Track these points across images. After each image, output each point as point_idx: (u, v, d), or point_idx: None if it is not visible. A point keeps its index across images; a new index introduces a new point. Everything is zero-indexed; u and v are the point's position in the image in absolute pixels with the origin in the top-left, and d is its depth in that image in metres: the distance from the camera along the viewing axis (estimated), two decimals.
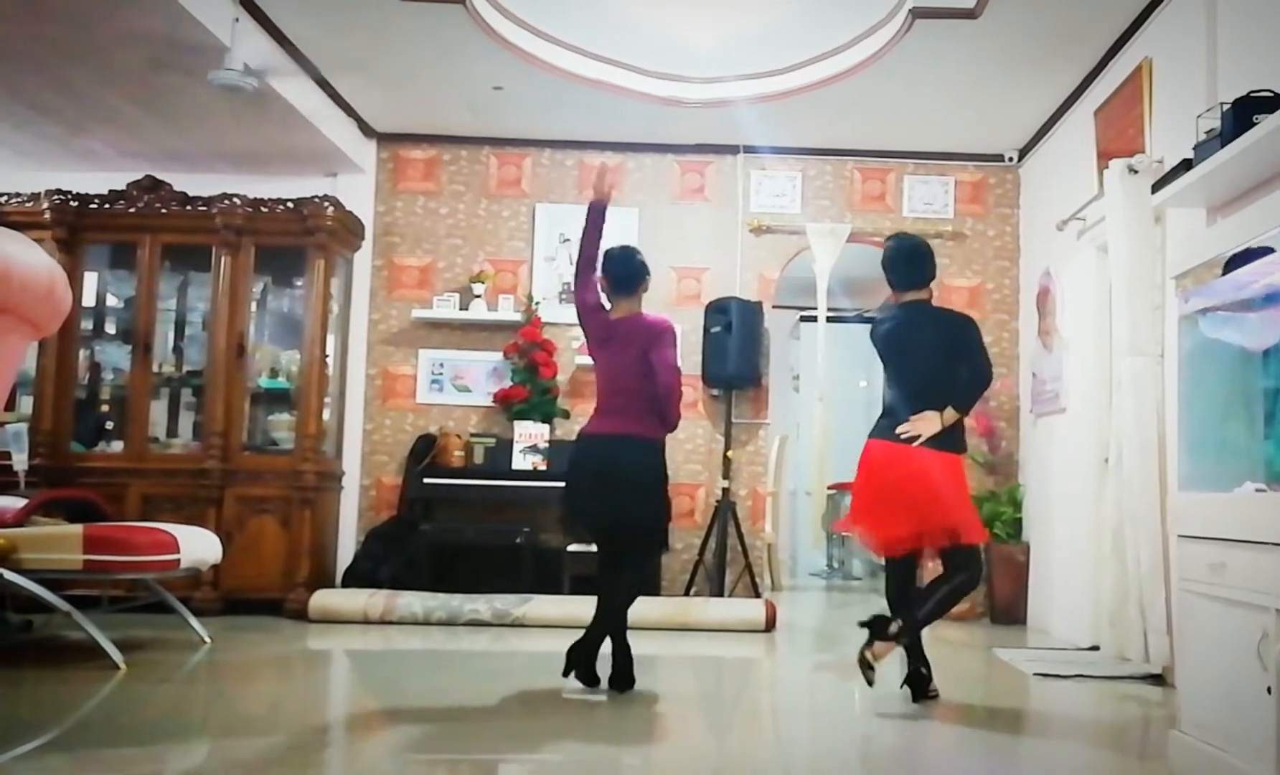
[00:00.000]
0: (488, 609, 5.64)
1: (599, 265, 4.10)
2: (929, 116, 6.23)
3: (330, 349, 6.32)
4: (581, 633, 3.95)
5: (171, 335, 6.46)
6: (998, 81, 5.68)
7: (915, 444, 3.82)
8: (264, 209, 6.14)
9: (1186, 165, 3.87)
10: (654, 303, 4.92)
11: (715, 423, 6.68)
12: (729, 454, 6.52)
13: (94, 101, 5.57)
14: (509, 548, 6.11)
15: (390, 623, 5.62)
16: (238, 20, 4.84)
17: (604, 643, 3.95)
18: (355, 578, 6.13)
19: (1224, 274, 3.15)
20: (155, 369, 6.21)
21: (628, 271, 4.04)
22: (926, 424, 3.83)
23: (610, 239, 4.16)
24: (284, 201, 6.15)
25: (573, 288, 4.29)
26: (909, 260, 4.01)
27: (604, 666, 3.95)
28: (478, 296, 6.63)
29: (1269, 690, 2.47)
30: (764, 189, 6.85)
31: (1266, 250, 2.94)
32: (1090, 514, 5.19)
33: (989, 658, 5.10)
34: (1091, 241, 5.36)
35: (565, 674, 3.92)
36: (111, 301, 6.56)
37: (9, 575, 4.28)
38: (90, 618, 4.31)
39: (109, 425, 6.29)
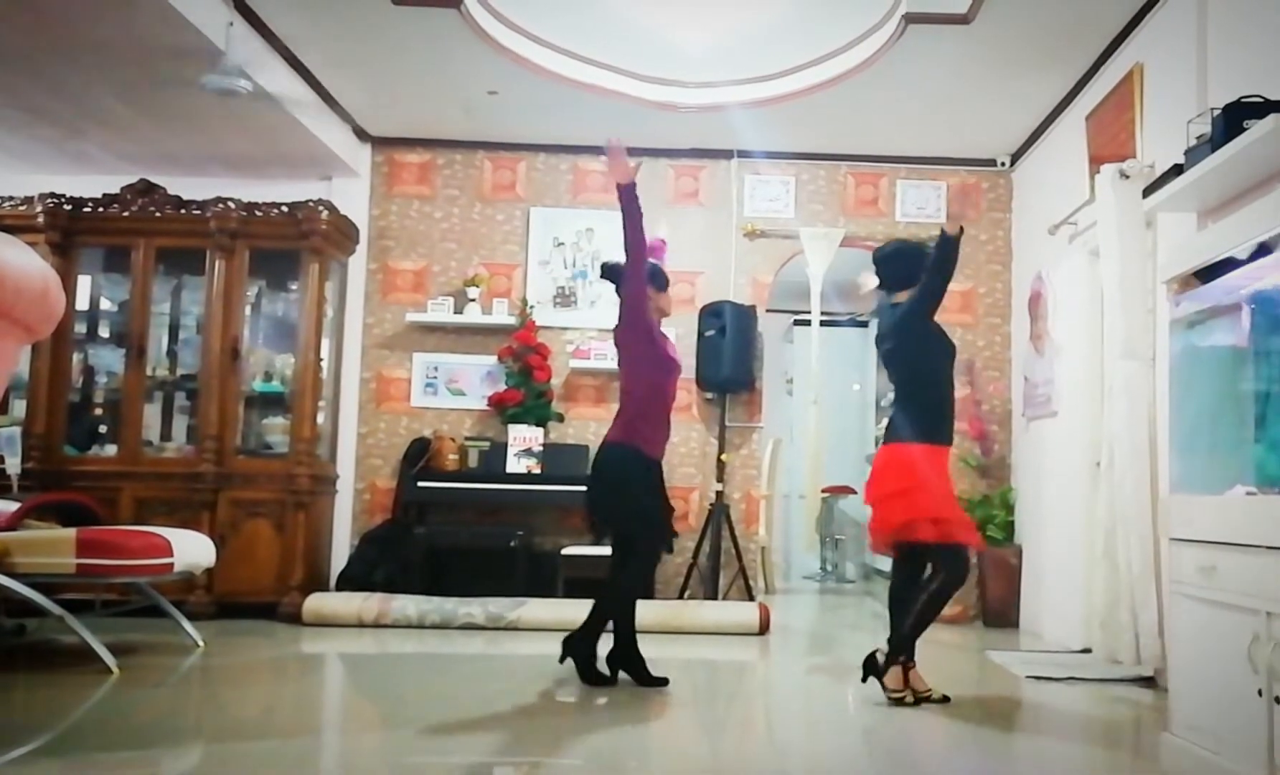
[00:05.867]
0: (482, 612, 5.64)
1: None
2: (922, 121, 6.25)
3: (325, 352, 6.32)
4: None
5: (165, 339, 6.45)
6: (990, 86, 5.70)
7: None
8: (258, 213, 6.13)
9: (1177, 170, 3.88)
10: None
11: (709, 426, 6.69)
12: (723, 457, 6.53)
13: (88, 105, 5.57)
14: (503, 551, 6.11)
15: (384, 626, 5.61)
16: (232, 24, 4.84)
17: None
18: (349, 581, 6.13)
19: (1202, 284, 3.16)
20: (149, 372, 6.20)
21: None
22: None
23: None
24: (278, 205, 6.15)
25: (629, 280, 4.07)
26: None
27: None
28: (472, 300, 6.63)
29: (1260, 693, 2.49)
30: (757, 193, 6.86)
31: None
32: (1082, 517, 5.21)
33: (981, 660, 5.11)
34: (1083, 246, 5.38)
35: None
36: (105, 305, 6.55)
37: (1, 579, 4.26)
38: (83, 621, 4.29)
39: (102, 429, 6.27)
